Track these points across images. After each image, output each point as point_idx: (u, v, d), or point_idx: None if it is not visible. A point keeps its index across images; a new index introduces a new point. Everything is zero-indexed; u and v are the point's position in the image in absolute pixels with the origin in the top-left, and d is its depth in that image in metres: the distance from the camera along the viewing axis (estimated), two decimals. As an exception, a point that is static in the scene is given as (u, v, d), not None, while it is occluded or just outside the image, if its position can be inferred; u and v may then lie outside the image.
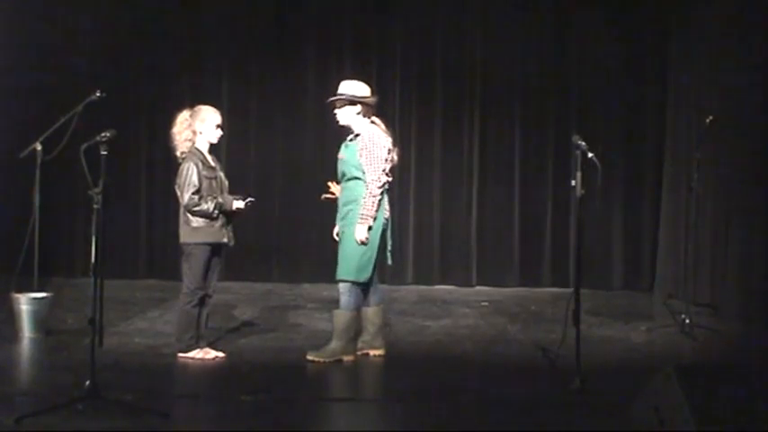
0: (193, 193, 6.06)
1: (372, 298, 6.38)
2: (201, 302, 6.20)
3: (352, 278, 6.20)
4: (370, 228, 6.16)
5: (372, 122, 6.37)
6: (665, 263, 9.37)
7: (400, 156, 9.86)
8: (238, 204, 6.17)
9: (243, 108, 10.08)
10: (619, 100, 9.96)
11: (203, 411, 5.24)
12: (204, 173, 6.13)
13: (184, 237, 6.17)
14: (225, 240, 6.21)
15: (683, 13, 9.29)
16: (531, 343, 6.98)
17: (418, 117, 10.16)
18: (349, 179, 6.28)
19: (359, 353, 6.34)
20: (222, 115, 6.38)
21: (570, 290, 5.88)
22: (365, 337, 6.37)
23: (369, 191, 6.16)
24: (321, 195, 6.50)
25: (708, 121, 7.40)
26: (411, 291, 9.67)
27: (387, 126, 6.52)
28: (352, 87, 6.36)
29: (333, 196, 6.42)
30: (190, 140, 6.19)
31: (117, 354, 6.23)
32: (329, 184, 6.48)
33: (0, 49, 9.30)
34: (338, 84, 6.42)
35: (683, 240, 7.93)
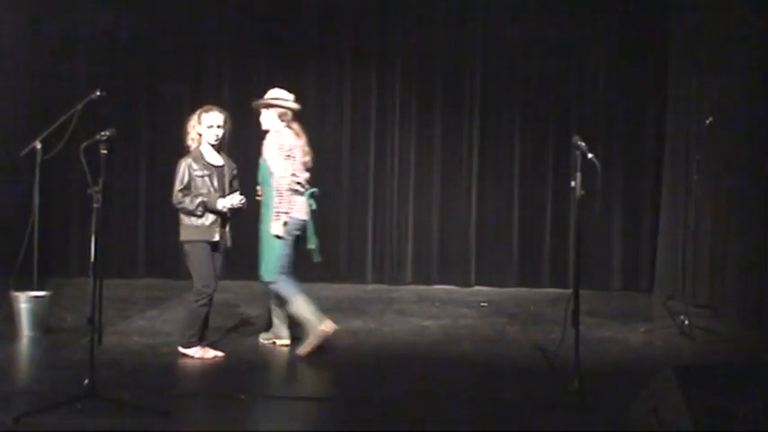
0: (180, 190, 6.12)
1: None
2: (211, 302, 6.21)
3: (271, 278, 6.43)
4: (286, 223, 6.36)
5: (288, 126, 6.58)
6: (664, 264, 9.38)
7: (400, 156, 10.09)
8: (224, 203, 6.17)
9: (243, 109, 10.04)
10: (619, 101, 9.96)
11: (202, 410, 5.25)
12: (197, 171, 6.15)
13: (181, 235, 6.23)
14: (216, 238, 6.20)
15: (683, 14, 9.29)
16: (530, 344, 6.98)
17: (418, 118, 10.15)
18: (262, 182, 6.59)
19: (266, 342, 6.64)
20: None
21: (569, 290, 5.88)
22: (273, 329, 6.63)
23: (276, 189, 6.38)
24: (256, 197, 6.67)
25: (707, 122, 7.40)
26: (410, 291, 9.67)
27: (303, 131, 6.69)
28: (273, 93, 6.67)
29: (261, 199, 6.63)
30: (195, 141, 6.32)
31: (116, 352, 6.24)
32: (257, 188, 6.66)
33: (0, 49, 9.31)
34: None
35: (683, 241, 7.93)
